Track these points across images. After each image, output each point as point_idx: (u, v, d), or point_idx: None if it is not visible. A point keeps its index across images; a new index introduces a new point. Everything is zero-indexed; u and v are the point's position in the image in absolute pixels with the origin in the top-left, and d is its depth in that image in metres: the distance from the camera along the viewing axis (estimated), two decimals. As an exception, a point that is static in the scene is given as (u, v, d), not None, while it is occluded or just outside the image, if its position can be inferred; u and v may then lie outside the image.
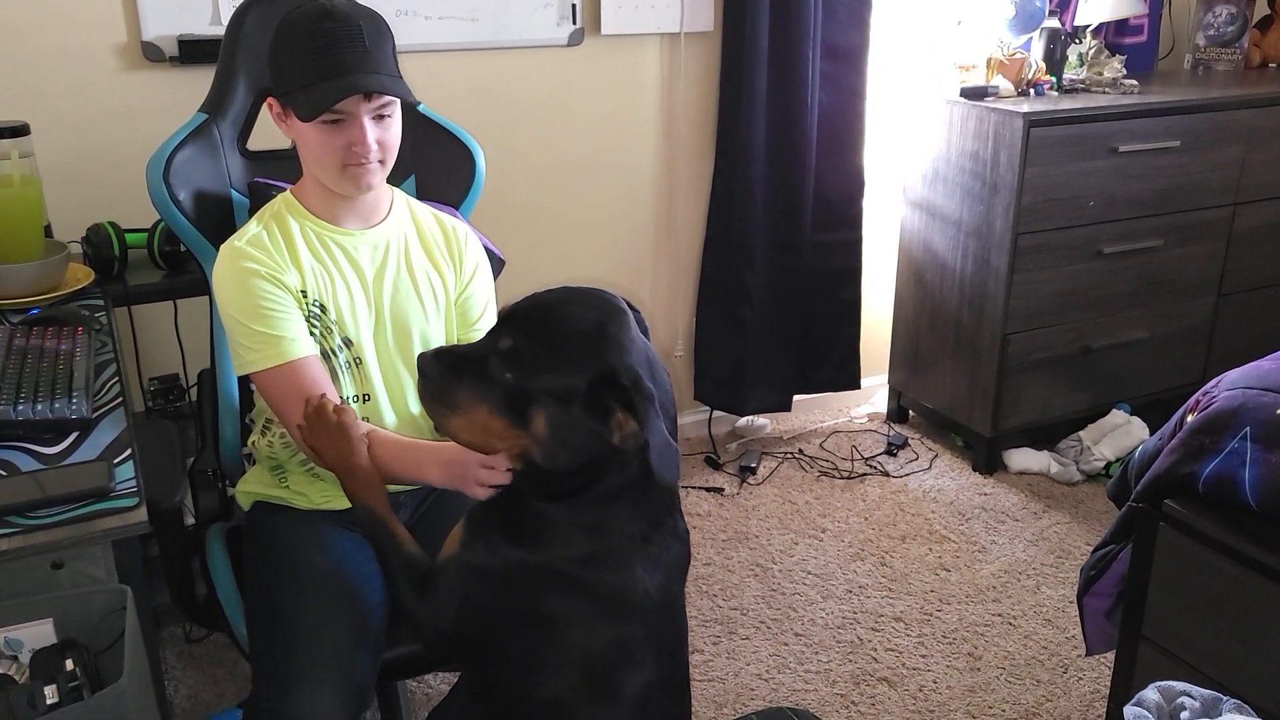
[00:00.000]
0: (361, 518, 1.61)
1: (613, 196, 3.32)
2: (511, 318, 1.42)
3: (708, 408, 3.62)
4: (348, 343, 1.82)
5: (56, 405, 1.61)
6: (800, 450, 3.58)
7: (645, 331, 1.47)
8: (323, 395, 1.68)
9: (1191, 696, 1.57)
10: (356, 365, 1.83)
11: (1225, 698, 1.54)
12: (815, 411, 3.85)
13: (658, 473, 1.33)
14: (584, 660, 1.43)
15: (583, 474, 1.39)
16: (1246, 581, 1.84)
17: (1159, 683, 1.62)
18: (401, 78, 1.75)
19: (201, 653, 2.55)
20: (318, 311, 1.79)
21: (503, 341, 1.40)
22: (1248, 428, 1.85)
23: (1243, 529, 1.85)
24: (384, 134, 1.74)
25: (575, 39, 3.07)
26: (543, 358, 1.37)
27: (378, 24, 1.72)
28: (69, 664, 1.29)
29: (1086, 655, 2.30)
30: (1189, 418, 2.00)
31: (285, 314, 1.74)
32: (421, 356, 1.48)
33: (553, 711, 1.43)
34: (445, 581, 1.50)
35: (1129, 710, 1.59)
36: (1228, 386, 1.97)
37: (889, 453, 3.57)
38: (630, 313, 1.44)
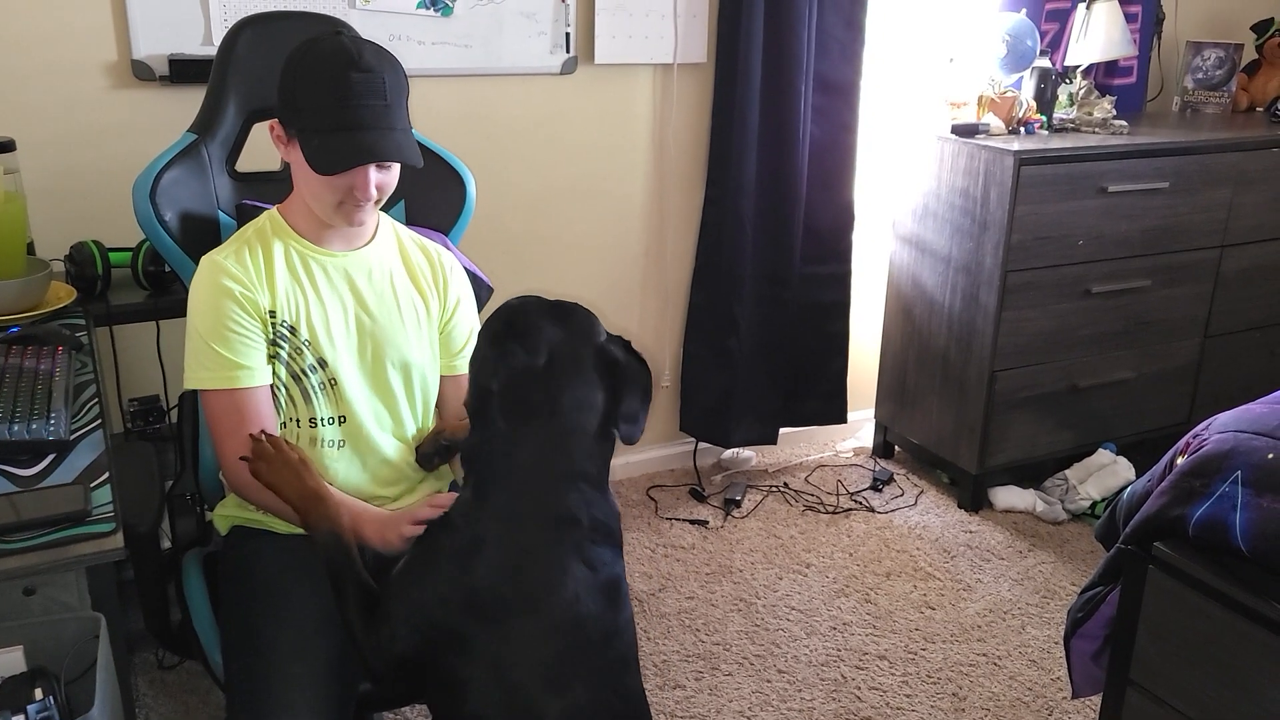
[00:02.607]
0: (325, 544, 1.60)
1: (603, 225, 3.31)
2: None
3: (693, 439, 3.60)
4: (322, 364, 1.81)
5: (34, 426, 1.58)
6: (785, 484, 3.56)
7: (618, 368, 1.55)
8: (269, 433, 1.67)
9: (1180, 742, 1.56)
10: (331, 386, 1.81)
11: (1214, 744, 1.53)
12: (801, 445, 3.83)
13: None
14: (488, 670, 1.44)
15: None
16: (1236, 627, 1.82)
17: (1147, 728, 1.61)
18: (411, 127, 1.77)
19: (174, 680, 2.50)
20: (286, 333, 1.78)
21: None
22: (1239, 471, 1.84)
23: (1233, 574, 1.83)
24: (385, 178, 1.77)
25: (568, 68, 3.07)
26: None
27: (399, 77, 1.73)
28: (39, 693, 1.25)
29: (1073, 698, 2.28)
30: (1179, 460, 1.99)
31: (248, 341, 1.75)
32: None
33: None
34: (391, 603, 1.51)
35: (1117, 755, 1.58)
36: (1219, 429, 1.96)
37: (874, 488, 3.55)
38: (554, 315, 1.55)
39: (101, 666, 1.30)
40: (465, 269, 2.10)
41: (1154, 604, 1.96)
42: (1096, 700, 2.16)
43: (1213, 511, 1.85)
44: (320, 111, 1.67)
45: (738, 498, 3.42)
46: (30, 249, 2.28)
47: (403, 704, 2.22)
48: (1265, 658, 1.79)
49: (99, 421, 1.70)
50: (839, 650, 2.71)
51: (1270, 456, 1.82)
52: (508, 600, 1.44)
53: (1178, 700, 1.94)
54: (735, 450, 3.68)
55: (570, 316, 1.56)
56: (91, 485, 1.48)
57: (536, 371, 1.49)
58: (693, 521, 3.31)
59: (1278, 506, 1.76)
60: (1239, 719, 1.84)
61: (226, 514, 1.90)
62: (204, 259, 1.80)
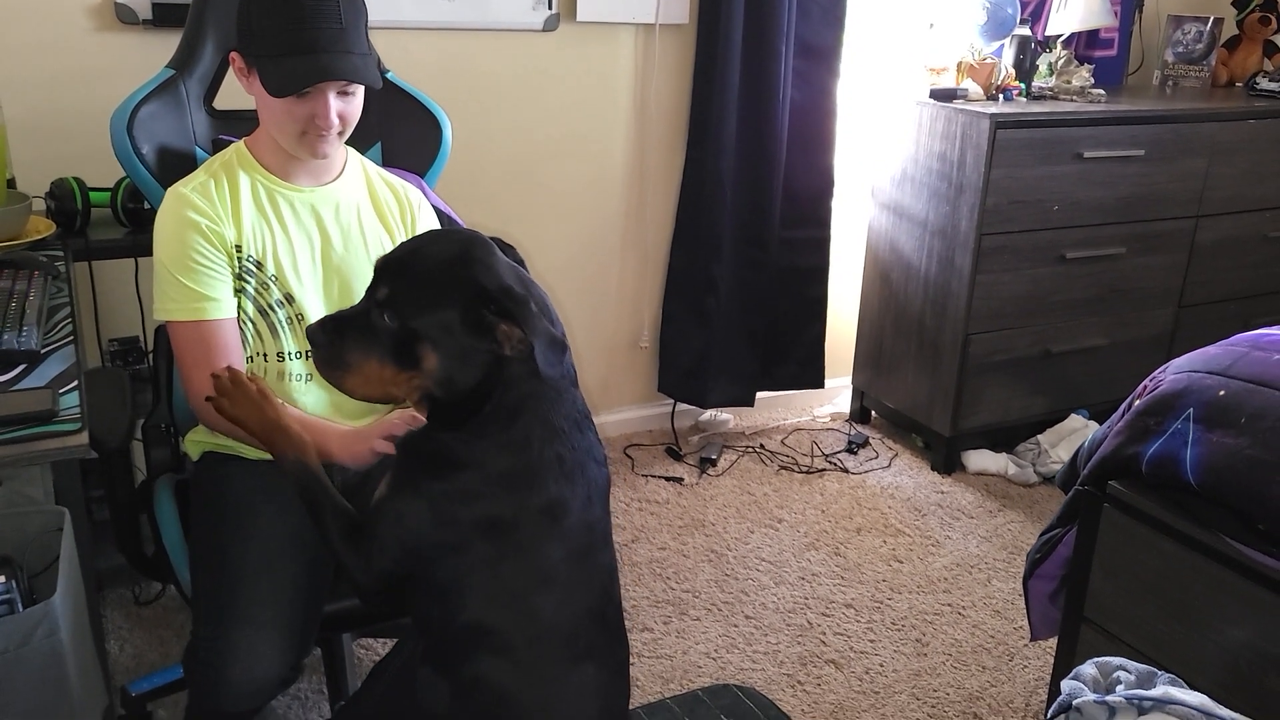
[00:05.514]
0: (293, 471, 1.58)
1: (582, 184, 3.33)
2: (385, 269, 1.47)
3: (671, 400, 3.63)
4: (289, 299, 1.83)
5: (5, 337, 1.61)
6: (761, 445, 3.60)
7: (523, 264, 1.53)
8: (232, 368, 1.64)
9: (1127, 670, 1.59)
10: (298, 321, 1.84)
11: (1160, 672, 1.56)
12: (779, 409, 3.87)
13: (543, 369, 1.38)
14: (500, 579, 1.43)
15: (480, 393, 1.43)
16: (1185, 560, 1.86)
17: (1096, 658, 1.64)
18: (371, 52, 1.79)
19: (150, 615, 2.53)
20: (252, 268, 1.81)
21: (379, 292, 1.44)
22: (1191, 409, 1.88)
23: (1183, 509, 1.88)
24: (346, 107, 1.78)
25: (550, 24, 3.09)
26: (417, 296, 1.42)
27: (355, 1, 1.75)
28: (2, 578, 1.28)
29: (1031, 640, 2.32)
30: (1136, 403, 2.03)
31: (214, 273, 1.77)
32: (309, 328, 1.50)
33: (475, 637, 1.43)
34: (380, 525, 1.49)
35: (1066, 683, 1.61)
36: (1175, 370, 2.00)
37: (849, 450, 3.59)
38: (492, 242, 1.49)
39: (65, 558, 1.33)
40: (439, 210, 2.12)
41: (1108, 541, 2.00)
42: (1055, 644, 2.20)
43: (1165, 448, 1.89)
44: (275, 35, 1.69)
45: (713, 456, 3.46)
46: (11, 184, 2.30)
47: (382, 620, 2.19)
48: (1212, 589, 1.83)
49: (71, 339, 1.73)
50: (806, 599, 2.74)
51: (1221, 394, 1.86)
52: (530, 512, 1.43)
53: (1130, 636, 1.98)
54: (713, 412, 3.71)
55: (489, 249, 1.47)
56: (60, 391, 1.51)
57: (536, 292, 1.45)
58: (668, 478, 3.35)
59: (1227, 441, 1.81)
60: (1188, 651, 1.88)
61: (198, 439, 1.93)
62: (169, 191, 1.82)
